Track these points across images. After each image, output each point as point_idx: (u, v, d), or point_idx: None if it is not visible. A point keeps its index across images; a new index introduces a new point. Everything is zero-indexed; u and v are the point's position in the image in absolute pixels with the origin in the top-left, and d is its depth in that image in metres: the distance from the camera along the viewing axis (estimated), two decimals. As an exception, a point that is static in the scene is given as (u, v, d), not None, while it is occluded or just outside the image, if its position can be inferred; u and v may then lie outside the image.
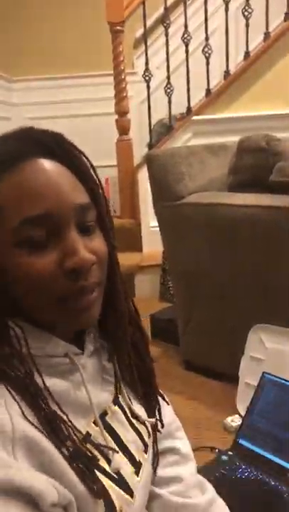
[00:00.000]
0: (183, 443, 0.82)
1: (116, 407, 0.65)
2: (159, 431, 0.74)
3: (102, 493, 0.55)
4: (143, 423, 0.69)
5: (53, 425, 0.53)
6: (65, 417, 0.55)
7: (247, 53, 3.24)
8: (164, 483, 0.75)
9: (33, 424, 0.51)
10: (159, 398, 0.77)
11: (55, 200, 0.55)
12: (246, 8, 3.13)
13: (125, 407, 0.67)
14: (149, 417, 0.71)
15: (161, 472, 0.76)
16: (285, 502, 0.98)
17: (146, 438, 0.69)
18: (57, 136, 0.59)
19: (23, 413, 0.51)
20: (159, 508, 0.73)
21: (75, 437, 0.55)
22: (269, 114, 3.17)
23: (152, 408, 0.73)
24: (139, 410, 0.70)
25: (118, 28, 3.01)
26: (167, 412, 0.83)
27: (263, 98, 3.24)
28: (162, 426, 0.75)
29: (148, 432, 0.70)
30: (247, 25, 3.15)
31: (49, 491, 0.48)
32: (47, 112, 3.66)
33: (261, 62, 3.25)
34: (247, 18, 3.14)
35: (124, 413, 0.66)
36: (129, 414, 0.67)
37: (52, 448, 0.52)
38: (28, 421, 0.51)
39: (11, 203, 0.54)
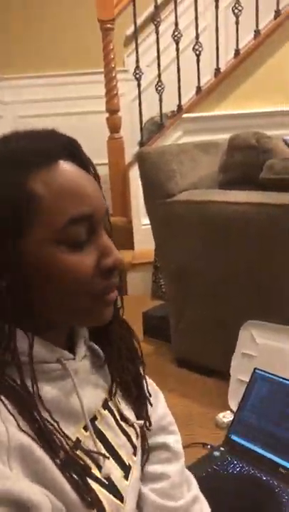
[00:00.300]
0: (175, 439, 0.82)
1: (106, 411, 0.65)
2: (148, 429, 0.75)
3: (95, 503, 0.55)
4: (132, 425, 0.69)
5: (45, 435, 0.53)
6: (56, 425, 0.54)
7: (237, 51, 3.25)
8: (150, 480, 0.75)
9: (27, 434, 0.51)
10: (153, 393, 0.78)
11: (95, 201, 0.57)
12: (236, 6, 3.14)
13: (114, 410, 0.67)
14: (137, 417, 0.71)
15: (150, 468, 0.76)
16: (277, 496, 0.99)
17: (134, 440, 0.69)
18: (75, 142, 0.60)
19: (18, 424, 0.51)
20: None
21: (66, 446, 0.55)
22: (259, 112, 3.18)
23: (141, 409, 0.73)
24: (128, 412, 0.70)
25: (108, 25, 3.01)
26: (160, 406, 0.83)
27: (254, 96, 3.25)
28: (150, 424, 0.75)
29: (136, 433, 0.70)
30: (237, 23, 3.16)
31: (44, 503, 0.49)
32: (38, 110, 3.65)
33: (251, 60, 3.26)
34: (237, 16, 3.15)
35: (114, 416, 0.66)
36: (118, 418, 0.67)
37: (46, 457, 0.52)
38: (23, 431, 0.51)
39: (55, 201, 0.54)
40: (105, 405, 0.65)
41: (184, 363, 1.94)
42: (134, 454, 0.68)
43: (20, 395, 0.53)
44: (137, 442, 0.69)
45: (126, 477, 0.64)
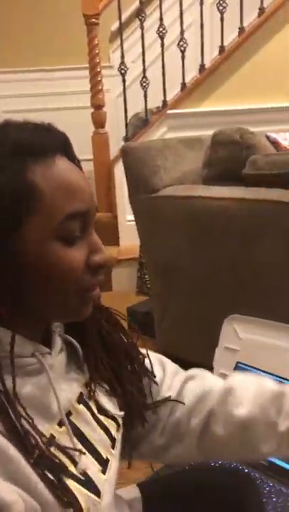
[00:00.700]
0: (187, 374, 0.84)
1: (80, 406, 0.64)
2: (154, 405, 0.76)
3: (71, 502, 0.55)
4: (112, 417, 0.68)
5: (20, 433, 0.52)
6: (31, 422, 0.54)
7: (222, 48, 3.26)
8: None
9: (1, 433, 0.51)
10: (158, 364, 0.81)
11: (88, 198, 0.58)
12: (221, 2, 3.15)
13: (91, 404, 0.66)
14: (125, 407, 0.71)
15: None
16: (258, 488, 1.00)
17: (114, 432, 0.67)
18: (68, 138, 0.60)
19: None
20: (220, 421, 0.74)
21: (41, 444, 0.54)
22: (243, 109, 3.20)
23: (129, 398, 0.72)
24: (108, 404, 0.68)
25: (93, 20, 3.00)
26: (168, 368, 0.84)
27: (238, 93, 3.27)
28: (154, 404, 0.76)
29: (117, 425, 0.69)
30: (222, 20, 3.17)
31: (17, 502, 0.48)
32: (22, 105, 3.62)
33: (236, 57, 3.27)
34: (222, 13, 3.16)
35: (90, 410, 0.65)
36: (95, 411, 0.66)
37: (19, 456, 0.51)
38: None
39: (54, 196, 0.54)
40: (80, 399, 0.64)
41: (169, 357, 1.94)
42: (113, 446, 0.67)
43: None
44: (117, 434, 0.68)
45: (104, 472, 0.63)
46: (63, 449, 0.57)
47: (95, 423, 0.65)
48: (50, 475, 0.53)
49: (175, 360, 2.11)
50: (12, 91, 3.76)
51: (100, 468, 0.62)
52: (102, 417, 0.66)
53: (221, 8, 3.15)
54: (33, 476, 0.52)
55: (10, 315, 0.55)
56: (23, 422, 0.53)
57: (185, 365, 2.00)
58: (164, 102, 3.23)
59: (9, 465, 0.50)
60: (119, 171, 2.94)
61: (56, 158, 0.56)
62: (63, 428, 0.59)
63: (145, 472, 1.26)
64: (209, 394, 0.78)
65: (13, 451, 0.51)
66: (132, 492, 0.83)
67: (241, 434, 0.73)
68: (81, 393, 0.65)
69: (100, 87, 3.09)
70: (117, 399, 0.71)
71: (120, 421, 0.70)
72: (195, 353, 1.84)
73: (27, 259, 0.54)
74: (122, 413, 0.70)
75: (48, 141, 0.56)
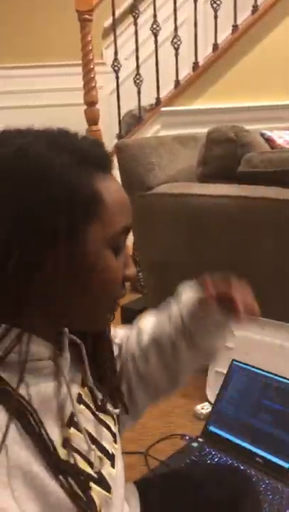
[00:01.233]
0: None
1: (81, 406, 0.64)
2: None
3: (91, 508, 0.55)
4: (109, 413, 0.69)
5: (39, 445, 0.51)
6: (45, 429, 0.53)
7: (215, 45, 3.26)
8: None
9: (23, 448, 0.50)
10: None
11: (131, 215, 0.61)
12: (215, 0, 3.15)
13: (89, 402, 0.66)
14: (114, 404, 0.71)
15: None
16: (254, 485, 1.01)
17: (113, 428, 0.68)
18: None
19: (14, 438, 0.49)
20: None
21: (61, 449, 0.54)
22: (238, 107, 3.20)
23: (118, 396, 0.73)
24: (105, 401, 0.69)
25: (86, 16, 2.97)
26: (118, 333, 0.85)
27: (232, 90, 3.27)
28: (126, 411, 0.76)
29: (114, 421, 0.70)
30: (215, 17, 3.16)
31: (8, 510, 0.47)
32: (15, 102, 3.60)
33: (230, 55, 3.27)
34: (215, 10, 3.15)
35: (90, 409, 0.65)
36: (94, 409, 0.66)
37: (41, 470, 0.50)
38: (19, 445, 0.50)
39: (113, 208, 0.57)
40: (80, 400, 0.64)
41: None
42: (115, 441, 0.68)
43: (17, 405, 0.51)
44: (115, 429, 0.69)
45: (113, 465, 0.64)
46: (80, 453, 0.57)
47: (96, 420, 0.65)
48: (73, 483, 0.53)
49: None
50: (4, 87, 3.73)
51: (110, 463, 0.63)
52: (101, 415, 0.67)
53: (214, 5, 3.15)
54: (52, 483, 0.51)
55: (33, 317, 0.54)
56: (42, 429, 0.52)
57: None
58: (158, 99, 3.23)
59: (35, 482, 0.49)
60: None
61: (110, 174, 0.59)
62: (72, 429, 0.58)
63: (140, 470, 1.26)
64: (131, 343, 0.83)
65: (36, 467, 0.50)
66: (128, 489, 0.83)
67: (158, 350, 0.79)
68: (79, 393, 0.65)
69: (93, 84, 3.06)
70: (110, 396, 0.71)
71: (115, 416, 0.71)
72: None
73: (86, 260, 0.55)
74: (117, 411, 0.71)
75: (106, 157, 0.59)
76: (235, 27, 3.24)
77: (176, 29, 3.14)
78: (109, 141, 3.35)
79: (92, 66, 3.05)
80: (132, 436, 1.38)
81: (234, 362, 1.46)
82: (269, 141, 1.90)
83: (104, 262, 0.57)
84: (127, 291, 0.63)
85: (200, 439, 1.36)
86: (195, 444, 1.35)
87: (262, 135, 1.91)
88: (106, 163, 0.58)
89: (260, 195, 1.53)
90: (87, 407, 0.65)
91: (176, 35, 3.14)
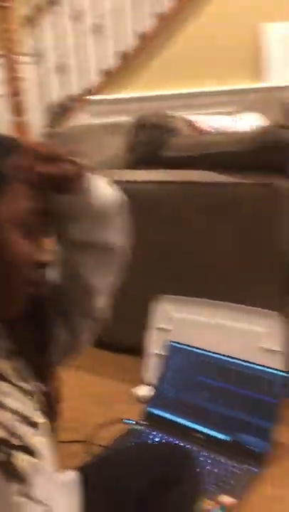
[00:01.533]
0: None
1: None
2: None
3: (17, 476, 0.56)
4: (32, 385, 0.68)
5: None
6: None
7: (142, 34, 3.26)
8: None
9: None
10: None
11: None
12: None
13: (9, 373, 0.65)
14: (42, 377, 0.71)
15: None
16: (193, 460, 1.03)
17: (36, 398, 0.68)
18: None
19: None
20: None
21: None
22: (164, 94, 3.23)
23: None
24: (26, 373, 0.68)
25: (6, 4, 2.89)
26: None
27: (158, 78, 3.29)
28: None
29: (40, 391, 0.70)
30: (141, 5, 3.16)
31: None
32: None
33: (155, 43, 3.29)
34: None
35: (8, 381, 0.65)
36: (13, 381, 0.65)
37: None
38: None
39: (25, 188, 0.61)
40: None
41: (100, 342, 1.94)
42: (37, 409, 0.67)
43: None
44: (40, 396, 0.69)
45: (36, 433, 0.64)
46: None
47: (16, 391, 0.64)
48: None
49: (106, 344, 2.09)
50: None
51: (33, 430, 0.64)
52: (23, 384, 0.66)
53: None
54: None
55: None
56: None
57: (119, 347, 2.00)
58: (86, 89, 3.20)
59: None
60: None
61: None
62: None
63: (82, 458, 1.25)
64: None
65: None
66: (67, 475, 0.82)
67: None
68: None
69: (16, 75, 2.99)
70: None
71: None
72: (126, 335, 1.85)
73: None
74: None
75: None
76: (160, 15, 3.26)
77: (99, 17, 3.11)
78: (38, 131, 3.29)
79: (15, 56, 2.97)
80: (74, 425, 1.37)
81: (171, 343, 1.48)
82: (194, 126, 1.94)
83: (5, 239, 0.57)
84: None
85: (142, 422, 1.38)
86: (137, 427, 1.36)
87: (186, 121, 1.94)
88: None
89: (183, 179, 1.57)
90: (3, 379, 0.64)
91: (102, 24, 3.12)
